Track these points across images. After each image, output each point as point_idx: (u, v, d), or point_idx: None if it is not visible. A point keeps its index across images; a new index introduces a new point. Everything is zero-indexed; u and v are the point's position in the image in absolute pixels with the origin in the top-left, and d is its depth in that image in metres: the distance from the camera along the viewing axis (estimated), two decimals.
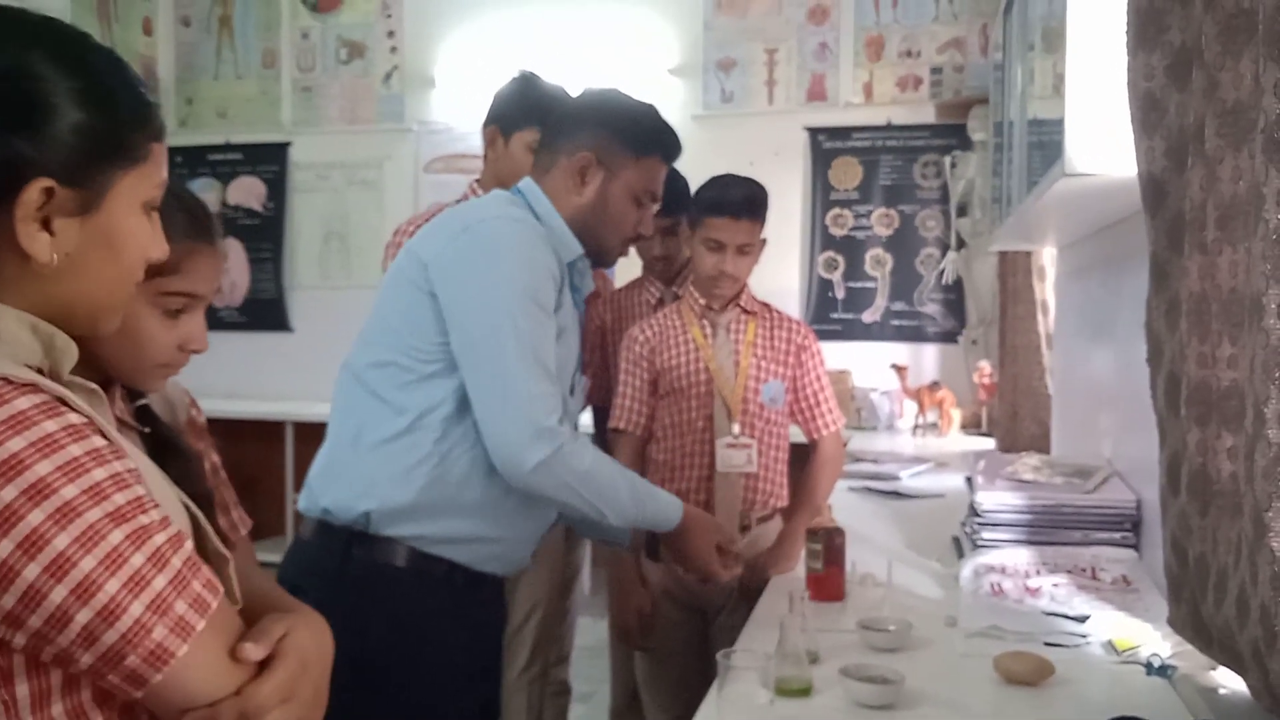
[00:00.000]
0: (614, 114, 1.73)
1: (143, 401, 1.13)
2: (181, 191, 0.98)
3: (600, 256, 1.76)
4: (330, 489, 1.60)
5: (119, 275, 0.88)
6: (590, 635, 3.28)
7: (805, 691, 1.40)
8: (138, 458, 0.85)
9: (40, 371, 0.82)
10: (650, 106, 1.77)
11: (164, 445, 1.11)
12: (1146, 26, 1.22)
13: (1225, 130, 1.04)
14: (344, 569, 1.55)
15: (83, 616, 0.73)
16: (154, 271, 0.98)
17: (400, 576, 1.56)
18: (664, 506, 1.73)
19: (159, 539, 0.78)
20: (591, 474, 1.57)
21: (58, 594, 0.73)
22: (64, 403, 0.77)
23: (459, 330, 1.55)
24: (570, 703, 2.75)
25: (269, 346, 5.50)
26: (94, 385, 0.86)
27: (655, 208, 1.79)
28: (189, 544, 0.82)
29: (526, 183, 1.73)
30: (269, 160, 5.43)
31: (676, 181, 2.74)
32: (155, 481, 0.86)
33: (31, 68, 0.80)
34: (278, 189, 5.42)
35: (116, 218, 0.85)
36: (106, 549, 0.74)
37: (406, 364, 1.57)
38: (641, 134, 1.73)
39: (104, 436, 0.79)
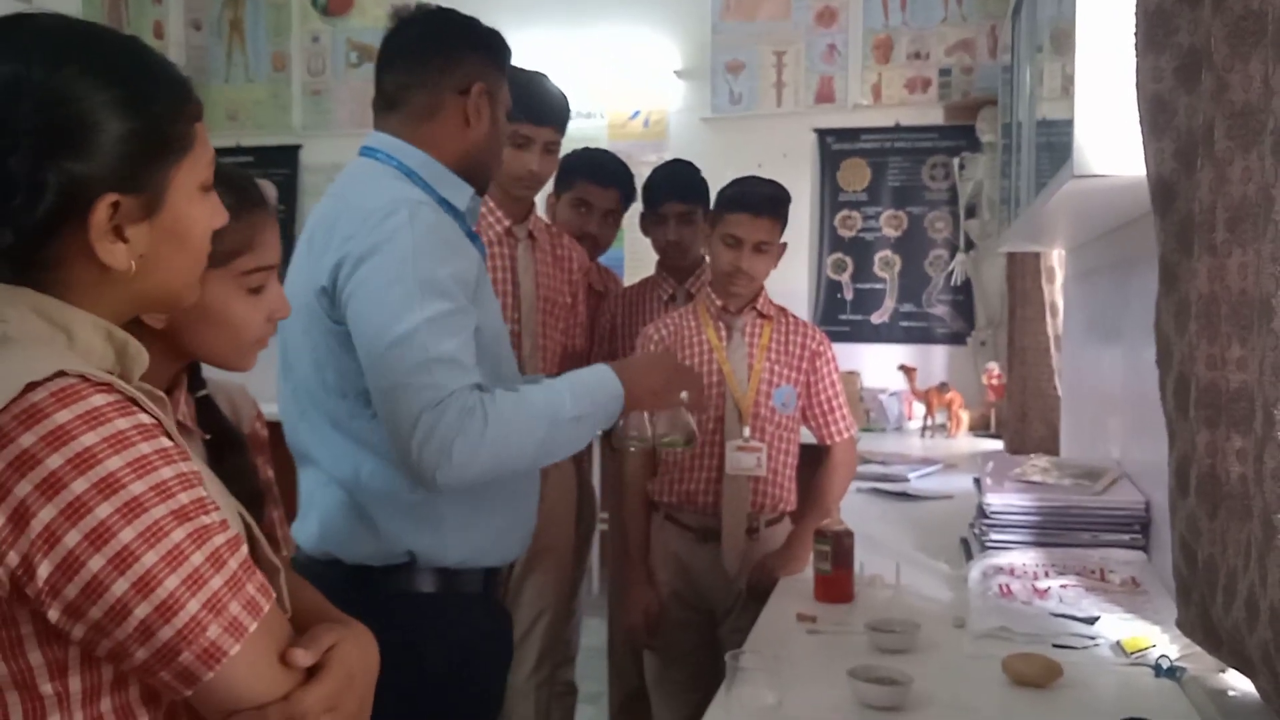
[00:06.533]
0: (486, 40, 1.62)
1: (204, 392, 1.14)
2: (221, 168, 0.96)
3: (482, 189, 1.65)
4: (356, 542, 1.52)
5: (192, 260, 0.90)
6: (599, 636, 3.28)
7: (690, 440, 1.68)
8: (198, 465, 0.86)
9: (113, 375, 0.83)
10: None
11: (222, 441, 1.12)
12: (1155, 28, 1.22)
13: (1235, 132, 1.04)
14: (391, 601, 1.50)
15: (141, 610, 0.75)
16: (227, 255, 1.00)
17: (443, 602, 1.53)
18: (602, 390, 1.51)
19: (218, 540, 0.79)
20: (514, 440, 1.41)
21: (119, 586, 0.74)
22: (135, 403, 0.79)
23: (359, 351, 1.44)
24: (576, 703, 2.76)
25: None
26: (160, 393, 0.87)
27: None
28: (244, 548, 0.83)
29: (379, 138, 1.58)
30: (280, 163, 5.44)
31: (693, 172, 2.78)
32: (214, 487, 0.87)
33: (66, 87, 0.79)
34: (288, 191, 5.44)
35: (180, 209, 0.87)
36: (169, 546, 0.76)
37: (356, 395, 1.49)
38: (505, 56, 1.64)
39: (170, 438, 0.80)
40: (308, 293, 1.48)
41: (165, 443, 0.79)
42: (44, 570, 0.73)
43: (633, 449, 1.70)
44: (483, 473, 1.42)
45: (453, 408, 1.36)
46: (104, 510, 0.74)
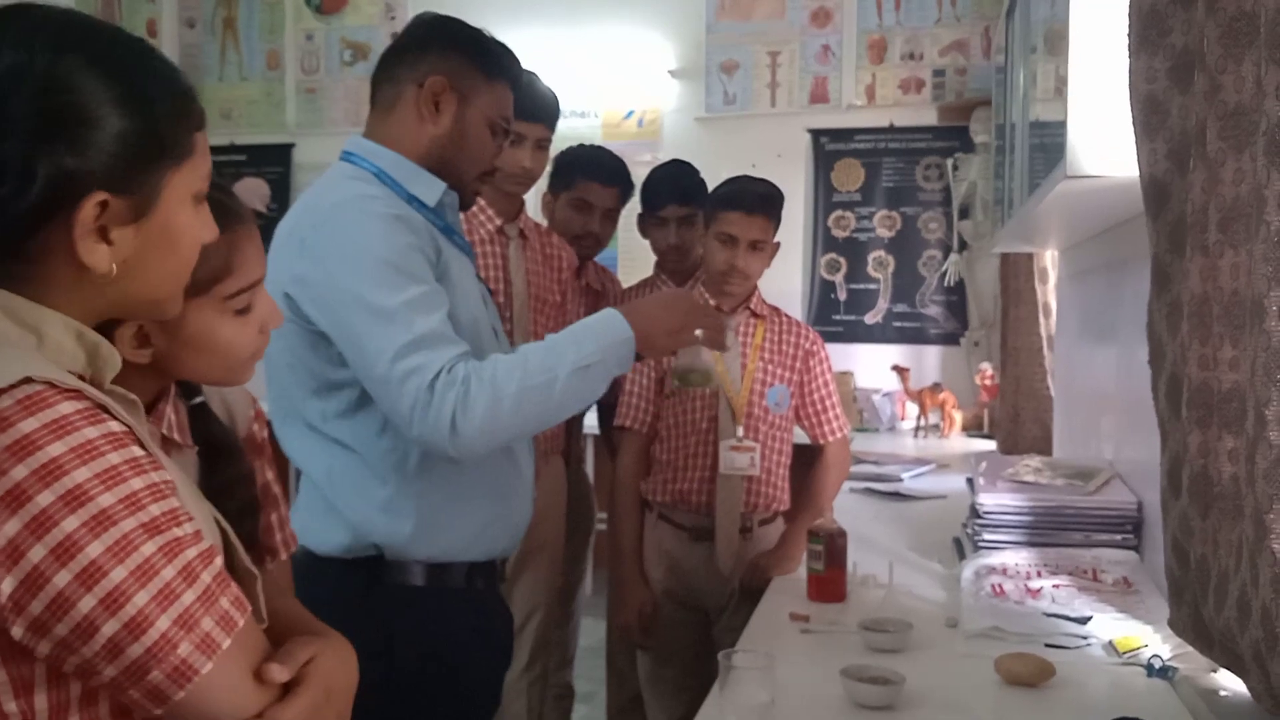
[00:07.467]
0: (458, 36, 1.59)
1: (199, 399, 1.12)
2: None
3: (458, 193, 1.61)
4: (326, 534, 1.53)
5: (176, 270, 0.87)
6: (593, 636, 3.28)
7: (706, 379, 1.65)
8: (172, 471, 0.84)
9: (83, 379, 0.81)
10: (486, 32, 1.63)
11: (216, 449, 1.08)
12: (1148, 29, 1.22)
13: (1227, 133, 1.05)
14: (367, 594, 1.51)
15: (109, 628, 0.72)
16: (206, 283, 0.96)
17: (422, 597, 1.53)
18: (609, 334, 1.47)
19: (190, 553, 0.77)
20: (515, 399, 1.39)
21: (87, 603, 0.72)
22: (105, 410, 0.77)
23: (340, 345, 1.45)
24: (573, 704, 2.75)
25: None
26: (132, 396, 0.85)
27: (509, 140, 1.68)
28: (219, 560, 0.81)
29: (355, 142, 1.59)
30: (273, 161, 5.43)
31: (693, 174, 2.77)
32: (188, 495, 0.85)
33: (67, 78, 0.77)
34: (282, 190, 5.42)
35: (170, 216, 0.84)
36: (138, 560, 0.73)
37: (328, 392, 1.50)
38: (490, 56, 1.60)
39: (142, 447, 0.78)
40: (276, 295, 1.48)
41: (136, 452, 0.76)
42: (7, 586, 0.71)
43: (677, 384, 1.69)
44: (496, 435, 1.42)
45: (442, 383, 1.38)
46: (70, 524, 0.71)
